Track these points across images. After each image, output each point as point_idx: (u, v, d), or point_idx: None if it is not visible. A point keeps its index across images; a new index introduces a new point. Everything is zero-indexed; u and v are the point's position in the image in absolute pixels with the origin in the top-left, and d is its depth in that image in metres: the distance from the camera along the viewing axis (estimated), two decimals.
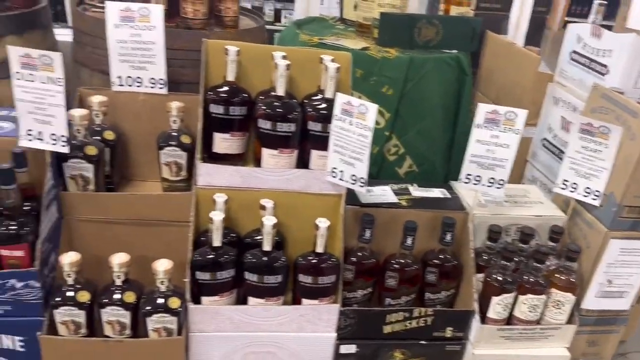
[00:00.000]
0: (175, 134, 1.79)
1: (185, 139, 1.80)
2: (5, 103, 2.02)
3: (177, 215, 1.75)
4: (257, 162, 1.81)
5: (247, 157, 1.85)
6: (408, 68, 2.09)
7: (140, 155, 1.92)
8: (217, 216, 1.57)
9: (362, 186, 1.66)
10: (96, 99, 1.72)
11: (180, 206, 1.74)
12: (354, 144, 1.61)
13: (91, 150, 1.65)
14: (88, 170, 1.66)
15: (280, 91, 1.63)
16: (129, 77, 1.79)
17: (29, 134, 1.54)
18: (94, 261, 1.65)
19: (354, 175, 1.65)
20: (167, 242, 1.77)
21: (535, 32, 2.94)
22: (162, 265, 1.56)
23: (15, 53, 1.44)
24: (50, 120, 1.51)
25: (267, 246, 1.61)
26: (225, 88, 1.71)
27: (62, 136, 1.53)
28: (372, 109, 1.55)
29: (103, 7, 2.10)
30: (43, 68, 1.45)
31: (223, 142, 1.76)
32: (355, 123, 1.59)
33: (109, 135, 1.77)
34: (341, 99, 1.60)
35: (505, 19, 2.78)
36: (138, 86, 1.81)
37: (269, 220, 1.58)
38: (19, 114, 1.51)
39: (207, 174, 1.69)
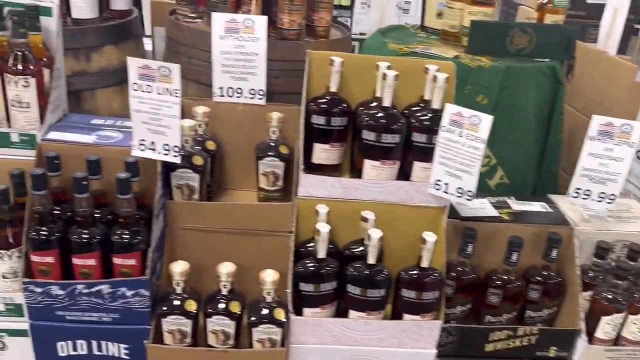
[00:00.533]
0: (274, 144, 1.80)
1: (284, 149, 1.80)
2: (102, 112, 2.09)
3: (276, 225, 1.75)
4: (354, 173, 1.80)
5: (342, 168, 1.85)
6: (504, 77, 2.03)
7: (236, 164, 1.93)
8: (324, 228, 1.56)
9: (469, 199, 1.61)
10: (200, 110, 1.74)
11: (279, 216, 1.73)
12: (462, 156, 1.57)
13: (198, 160, 1.67)
14: (194, 179, 1.68)
15: (387, 102, 1.61)
16: (230, 87, 1.80)
17: (142, 144, 1.56)
18: (193, 269, 1.66)
19: (460, 188, 1.61)
20: (264, 252, 1.77)
21: (621, 40, 2.83)
22: (270, 276, 1.56)
23: (134, 64, 1.46)
24: (165, 130, 1.53)
25: (371, 259, 1.59)
26: (327, 99, 1.71)
27: (175, 146, 1.55)
28: (486, 120, 1.51)
29: (195, 17, 2.16)
30: (161, 79, 1.47)
31: (322, 153, 1.75)
32: (465, 134, 1.55)
33: (211, 145, 1.79)
34: (451, 110, 1.56)
35: (592, 27, 2.69)
36: (238, 97, 1.82)
37: (375, 233, 1.55)
38: (134, 124, 1.54)
39: (309, 185, 1.69)
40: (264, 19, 1.72)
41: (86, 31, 1.92)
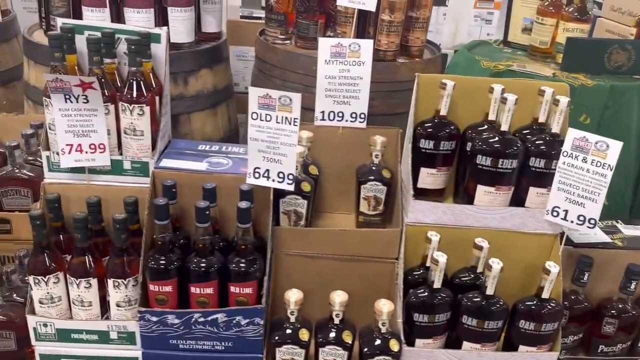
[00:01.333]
0: (376, 168, 1.76)
1: (386, 174, 1.77)
2: (196, 135, 2.10)
3: (381, 252, 1.71)
4: (458, 198, 1.75)
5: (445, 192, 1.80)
6: (608, 96, 1.97)
7: (332, 188, 1.90)
8: (442, 257, 1.51)
9: (590, 227, 1.55)
10: (304, 134, 1.72)
11: (385, 242, 1.70)
12: (586, 183, 1.51)
13: (306, 187, 1.65)
14: (302, 206, 1.66)
15: (505, 126, 1.56)
16: (332, 111, 1.78)
17: (257, 172, 1.55)
18: None
19: (581, 216, 1.55)
20: (367, 278, 1.74)
21: None
22: (386, 306, 1.52)
23: (255, 93, 1.45)
24: (281, 158, 1.51)
25: (490, 290, 1.54)
26: (436, 122, 1.67)
27: (290, 174, 1.53)
28: (616, 146, 1.45)
29: (284, 39, 2.15)
30: (281, 108, 1.46)
31: (428, 177, 1.72)
32: (590, 160, 1.49)
33: (313, 169, 1.76)
34: (574, 135, 1.50)
35: None
36: (339, 120, 1.80)
37: (497, 264, 1.50)
38: (250, 152, 1.53)
39: (418, 211, 1.64)
40: (370, 43, 1.69)
41: (184, 55, 1.92)
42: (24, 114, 1.95)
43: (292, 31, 2.15)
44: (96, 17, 1.78)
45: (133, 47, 1.52)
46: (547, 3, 2.30)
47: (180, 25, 1.90)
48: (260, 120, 1.49)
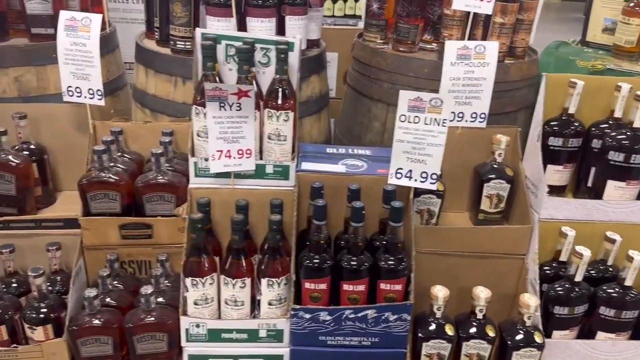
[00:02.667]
0: (498, 166, 1.82)
1: (509, 172, 1.82)
2: (306, 139, 2.14)
3: (511, 248, 1.76)
4: (580, 193, 1.81)
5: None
6: None
7: (449, 187, 1.96)
8: (586, 251, 1.57)
9: None
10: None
11: (516, 238, 1.75)
12: None
13: (440, 186, 1.70)
14: (435, 204, 1.71)
15: (638, 123, 1.62)
16: (452, 112, 1.83)
17: (399, 172, 1.60)
18: (426, 292, 1.68)
19: None
20: (495, 274, 1.79)
21: None
22: (532, 300, 1.57)
23: (406, 97, 1.51)
24: (426, 159, 1.57)
25: (629, 281, 1.59)
26: (564, 119, 1.72)
27: (433, 174, 1.59)
28: None
29: (383, 43, 2.21)
30: (430, 110, 1.51)
31: (555, 174, 1.77)
32: None
33: None
34: None
35: None
36: (459, 121, 1.85)
37: (638, 255, 1.55)
38: (394, 153, 1.58)
39: (552, 207, 1.70)
40: (495, 45, 1.75)
41: (301, 62, 1.98)
42: (135, 121, 2.00)
43: (390, 36, 2.21)
44: (222, 27, 1.84)
45: (282, 55, 1.58)
46: (633, 4, 2.35)
47: (296, 33, 1.95)
48: (409, 122, 1.54)
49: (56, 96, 2.00)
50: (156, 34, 2.06)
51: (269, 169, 1.68)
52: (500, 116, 2.03)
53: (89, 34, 1.68)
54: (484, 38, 2.01)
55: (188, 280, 1.55)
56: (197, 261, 1.55)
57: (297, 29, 1.97)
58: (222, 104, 1.54)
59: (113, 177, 1.67)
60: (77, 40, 1.69)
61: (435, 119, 1.52)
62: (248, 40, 1.64)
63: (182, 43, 1.94)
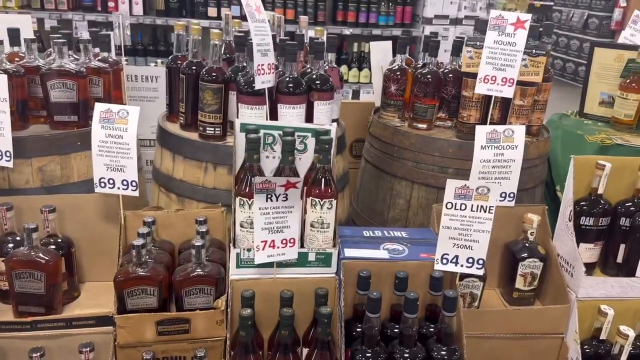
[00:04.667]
0: (531, 245, 1.85)
1: (541, 250, 1.85)
2: None
3: (550, 327, 1.77)
4: (609, 269, 1.85)
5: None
6: None
7: None
8: (631, 332, 1.58)
9: None
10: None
11: (555, 318, 1.76)
12: None
13: (481, 270, 1.71)
14: (478, 288, 1.71)
15: None
16: None
17: (445, 258, 1.61)
18: None
19: None
20: (534, 354, 1.79)
21: None
22: None
23: (453, 185, 1.54)
24: (472, 245, 1.58)
25: None
26: (593, 199, 1.78)
27: (480, 259, 1.60)
28: None
29: (400, 121, 2.27)
30: (477, 197, 1.54)
31: (586, 252, 1.81)
32: None
33: None
34: None
35: None
36: None
37: None
38: (440, 239, 1.60)
39: (589, 286, 1.73)
40: (522, 129, 1.82)
41: None
42: (165, 209, 1.95)
43: (408, 115, 2.28)
44: (255, 115, 1.86)
45: (326, 146, 1.60)
46: (629, 80, 2.51)
47: (323, 117, 1.99)
48: (455, 209, 1.56)
49: (79, 184, 1.97)
50: (181, 118, 2.06)
51: (311, 257, 1.66)
52: (521, 193, 2.09)
53: (126, 126, 1.67)
54: (502, 118, 2.10)
55: None
56: (247, 358, 1.49)
57: (325, 113, 2.00)
58: (269, 196, 1.53)
59: (151, 272, 1.61)
60: (114, 132, 1.67)
61: (482, 206, 1.55)
62: (288, 130, 1.66)
63: (212, 129, 1.94)
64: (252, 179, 1.56)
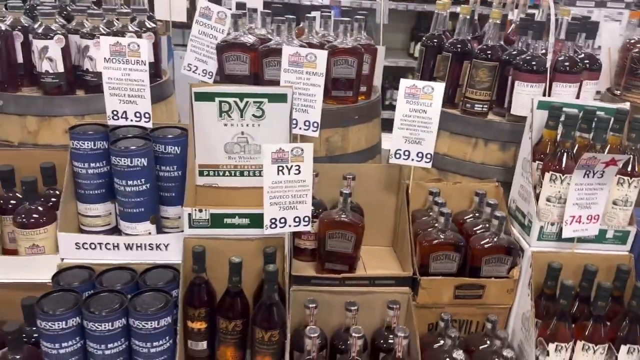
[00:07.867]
0: None
1: None
2: None
3: None
4: None
5: None
6: None
7: None
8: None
9: None
10: None
11: None
12: None
13: None
14: None
15: None
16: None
17: None
18: None
19: None
20: None
21: None
22: None
23: None
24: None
25: None
26: None
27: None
28: None
29: None
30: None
31: None
32: None
33: None
34: None
35: None
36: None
37: None
38: None
39: None
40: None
41: None
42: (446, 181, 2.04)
43: None
44: (534, 92, 1.89)
45: (637, 124, 1.62)
46: None
47: (589, 97, 2.01)
48: None
49: (352, 155, 2.10)
50: None
51: (610, 234, 1.70)
52: None
53: (430, 102, 1.77)
54: None
55: (552, 346, 1.57)
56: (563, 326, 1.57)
57: (591, 92, 2.02)
58: (587, 172, 1.58)
59: (457, 239, 1.72)
60: (417, 107, 1.77)
61: None
62: (590, 109, 1.69)
63: (480, 106, 2.01)
64: (568, 154, 1.62)
